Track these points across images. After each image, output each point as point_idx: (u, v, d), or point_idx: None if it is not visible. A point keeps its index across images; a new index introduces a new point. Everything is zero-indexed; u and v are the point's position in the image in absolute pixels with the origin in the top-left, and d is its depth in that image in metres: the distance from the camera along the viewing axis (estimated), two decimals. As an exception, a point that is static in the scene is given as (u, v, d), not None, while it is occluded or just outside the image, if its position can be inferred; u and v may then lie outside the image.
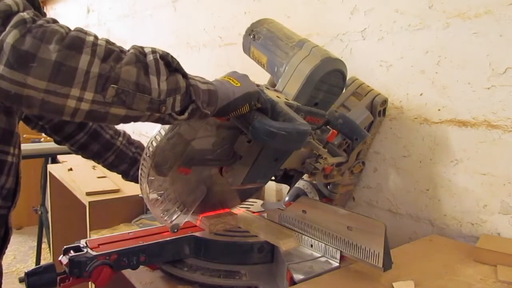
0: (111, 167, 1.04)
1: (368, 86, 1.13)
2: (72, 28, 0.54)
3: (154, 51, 0.60)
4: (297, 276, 0.78)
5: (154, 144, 0.77)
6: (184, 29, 2.02)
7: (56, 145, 1.06)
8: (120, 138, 1.04)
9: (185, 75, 0.63)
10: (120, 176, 1.08)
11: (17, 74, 0.49)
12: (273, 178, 1.00)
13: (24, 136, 2.70)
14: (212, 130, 0.83)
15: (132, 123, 0.62)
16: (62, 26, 0.53)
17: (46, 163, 2.49)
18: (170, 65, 0.61)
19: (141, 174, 0.79)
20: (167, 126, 0.76)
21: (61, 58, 0.50)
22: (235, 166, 0.86)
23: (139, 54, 0.58)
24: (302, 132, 0.75)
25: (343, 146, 1.05)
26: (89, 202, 1.25)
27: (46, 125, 0.97)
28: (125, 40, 2.61)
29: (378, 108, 1.08)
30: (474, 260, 0.85)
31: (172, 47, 2.10)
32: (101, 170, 1.58)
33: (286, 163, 0.88)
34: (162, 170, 0.79)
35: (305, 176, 1.17)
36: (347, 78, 1.14)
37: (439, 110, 1.05)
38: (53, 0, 4.05)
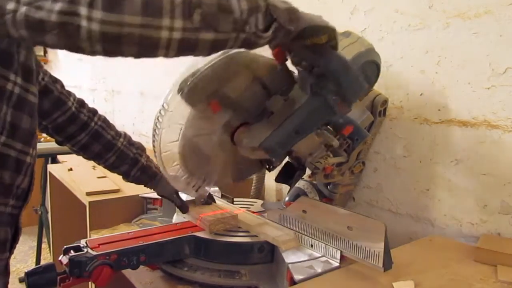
0: (112, 167, 1.04)
1: None
2: None
3: None
4: (297, 276, 0.78)
5: (194, 70, 0.77)
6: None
7: (56, 145, 1.06)
8: (121, 139, 1.04)
9: None
10: (120, 176, 1.08)
11: (115, 15, 0.51)
12: (269, 172, 1.00)
13: (24, 136, 2.69)
14: (247, 80, 0.83)
15: (219, 51, 0.63)
16: None
17: (46, 163, 2.49)
18: None
19: (154, 145, 0.82)
20: (202, 61, 0.77)
21: None
22: (255, 126, 0.86)
23: None
24: (362, 83, 0.76)
25: (343, 146, 1.05)
26: (89, 202, 1.25)
27: (49, 125, 0.97)
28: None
29: (378, 108, 1.08)
30: (474, 260, 0.85)
31: (172, 47, 2.09)
32: (101, 170, 1.57)
33: (298, 145, 0.88)
34: (194, 97, 0.80)
35: (305, 176, 1.17)
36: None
37: (439, 110, 1.05)
38: None
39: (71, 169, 1.73)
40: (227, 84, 0.82)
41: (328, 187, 1.15)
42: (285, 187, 1.43)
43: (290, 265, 0.81)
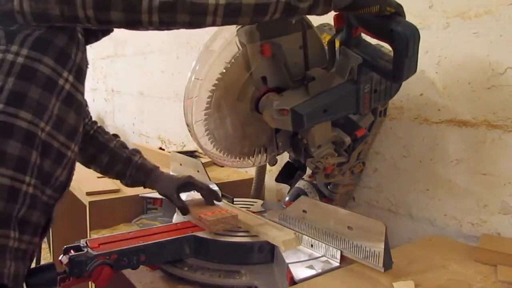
0: (106, 169, 1.05)
1: None
2: None
3: None
4: (297, 276, 0.78)
5: None
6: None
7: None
8: (114, 142, 1.06)
9: None
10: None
11: None
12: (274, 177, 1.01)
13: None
14: (296, 43, 0.90)
15: (260, 20, 0.68)
16: None
17: (46, 163, 2.49)
18: None
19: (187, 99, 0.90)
20: None
21: None
22: (289, 91, 0.90)
23: None
24: (416, 65, 0.80)
25: (344, 146, 1.05)
26: (89, 202, 1.25)
27: None
28: (125, 40, 2.61)
29: (379, 108, 1.08)
30: (474, 260, 0.85)
31: (172, 47, 2.10)
32: (101, 170, 1.57)
33: (312, 132, 0.92)
34: (252, 35, 0.86)
35: (305, 176, 1.17)
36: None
37: (439, 110, 1.05)
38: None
39: (71, 169, 1.73)
40: (282, 36, 0.87)
41: (328, 187, 1.15)
42: (285, 187, 1.43)
43: (290, 265, 0.81)
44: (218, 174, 1.50)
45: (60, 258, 0.79)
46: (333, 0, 0.71)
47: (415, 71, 0.82)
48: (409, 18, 1.09)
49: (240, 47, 0.90)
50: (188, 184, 1.06)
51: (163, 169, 1.10)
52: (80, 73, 0.75)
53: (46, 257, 2.90)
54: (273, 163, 1.04)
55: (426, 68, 1.07)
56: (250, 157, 1.04)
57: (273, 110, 0.87)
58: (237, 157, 1.02)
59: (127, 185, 1.06)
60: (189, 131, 0.97)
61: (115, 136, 1.11)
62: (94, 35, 0.86)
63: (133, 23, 0.63)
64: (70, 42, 0.71)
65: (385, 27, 0.76)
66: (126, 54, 2.62)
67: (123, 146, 1.07)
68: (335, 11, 0.77)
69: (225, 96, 0.93)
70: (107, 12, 0.61)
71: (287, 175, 1.02)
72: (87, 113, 1.02)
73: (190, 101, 0.93)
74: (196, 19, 0.63)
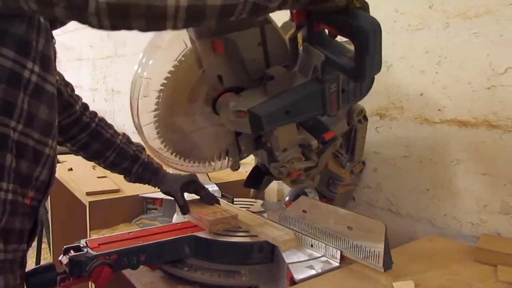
0: (112, 166, 1.04)
1: None
2: None
3: None
4: (297, 276, 0.78)
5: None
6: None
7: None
8: (120, 137, 1.04)
9: None
10: (120, 176, 1.08)
11: None
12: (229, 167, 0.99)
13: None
14: (255, 39, 0.80)
15: (228, 18, 0.61)
16: None
17: (46, 163, 2.49)
18: None
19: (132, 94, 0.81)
20: None
21: None
22: (246, 92, 0.83)
23: None
24: (380, 62, 0.74)
25: (311, 149, 0.99)
26: (89, 202, 1.25)
27: None
28: (125, 40, 2.61)
29: (355, 117, 1.06)
30: (474, 260, 0.85)
31: (172, 47, 2.09)
32: (101, 170, 1.57)
33: (276, 134, 0.86)
34: (204, 32, 0.78)
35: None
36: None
37: (439, 110, 1.05)
38: None
39: (71, 169, 1.73)
40: (236, 31, 0.78)
41: (328, 187, 1.15)
42: (285, 187, 1.43)
43: (290, 265, 0.81)
44: (218, 174, 1.50)
45: (60, 258, 0.79)
46: None
47: (379, 69, 0.75)
48: (409, 18, 1.09)
49: (188, 44, 0.82)
50: (192, 182, 1.07)
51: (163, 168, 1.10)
52: (46, 61, 0.68)
53: (46, 257, 2.91)
54: (235, 168, 0.98)
55: (426, 68, 1.07)
56: (211, 161, 0.96)
57: (229, 111, 0.81)
58: (195, 162, 0.95)
59: (130, 181, 1.06)
60: (138, 134, 0.90)
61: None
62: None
63: (82, 22, 0.55)
64: (30, 28, 0.64)
65: (345, 22, 0.71)
66: (126, 54, 2.62)
67: (129, 141, 1.05)
68: (303, 6, 0.72)
69: (176, 96, 0.85)
70: (51, 8, 0.53)
71: (256, 179, 0.98)
72: (75, 99, 0.98)
73: (135, 102, 0.85)
74: (153, 24, 0.55)
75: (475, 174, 1.00)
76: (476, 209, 1.00)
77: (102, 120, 1.04)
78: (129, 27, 0.55)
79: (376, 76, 1.17)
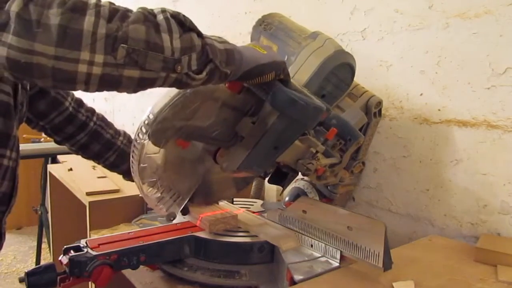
0: (112, 167, 1.04)
1: (363, 87, 1.12)
2: None
3: (164, 11, 0.57)
4: (297, 276, 0.78)
5: (156, 110, 0.74)
6: (184, 29, 2.02)
7: (56, 145, 1.06)
8: (121, 138, 1.04)
9: (200, 34, 0.61)
10: (120, 176, 1.08)
11: (24, 41, 0.48)
12: (262, 174, 0.98)
13: (24, 136, 2.69)
14: (215, 109, 0.80)
15: (149, 89, 0.59)
16: None
17: (46, 163, 2.49)
18: (183, 23, 0.58)
19: (132, 157, 0.77)
20: (171, 94, 0.74)
21: (65, 21, 0.49)
22: (232, 150, 0.83)
23: (148, 14, 0.56)
24: (318, 108, 0.75)
25: (337, 147, 1.03)
26: (89, 202, 1.25)
27: (47, 125, 0.97)
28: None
29: (373, 109, 1.07)
30: (474, 260, 0.85)
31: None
32: (101, 170, 1.57)
33: (283, 156, 0.86)
34: (160, 139, 0.76)
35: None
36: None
37: (439, 110, 1.05)
38: None
39: (71, 169, 1.73)
40: (194, 117, 0.78)
41: (328, 187, 1.15)
42: (285, 187, 1.43)
43: (290, 265, 0.81)
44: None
45: (60, 258, 0.79)
46: (228, 74, 0.65)
47: (318, 112, 0.77)
48: (409, 18, 1.09)
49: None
50: None
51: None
52: None
53: (46, 257, 2.91)
54: (170, 219, 0.89)
55: (426, 68, 1.07)
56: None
57: (228, 171, 0.84)
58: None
59: (129, 180, 1.06)
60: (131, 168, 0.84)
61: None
62: None
63: None
64: None
65: (265, 98, 0.74)
66: (126, 54, 2.62)
67: (130, 141, 1.05)
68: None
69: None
70: None
71: (280, 176, 1.00)
72: (63, 95, 0.96)
73: (136, 167, 0.80)
74: (62, 85, 0.52)
75: (475, 174, 1.00)
76: (476, 209, 1.00)
77: (102, 119, 1.04)
78: (34, 83, 0.53)
79: (376, 76, 1.18)
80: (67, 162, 1.88)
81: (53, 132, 0.99)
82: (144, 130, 0.76)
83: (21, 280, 2.68)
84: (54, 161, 2.42)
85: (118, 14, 0.53)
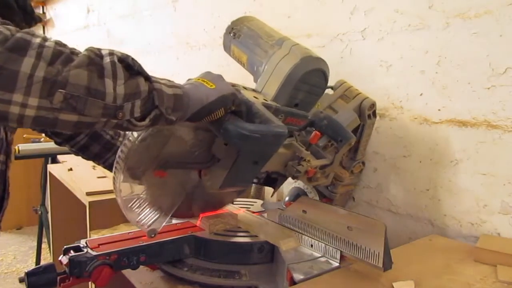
0: (112, 167, 1.04)
1: (356, 89, 1.11)
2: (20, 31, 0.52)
3: (112, 53, 0.56)
4: (297, 276, 0.78)
5: (128, 145, 0.74)
6: (184, 29, 2.02)
7: (56, 145, 1.06)
8: (120, 139, 1.04)
9: (148, 78, 0.60)
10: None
11: None
12: (255, 180, 0.97)
13: (24, 136, 2.69)
14: (189, 132, 0.79)
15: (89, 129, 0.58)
16: (9, 29, 0.50)
17: (46, 163, 2.49)
18: (131, 68, 0.57)
19: (114, 178, 0.77)
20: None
21: (1, 61, 0.48)
22: (213, 169, 0.83)
23: (94, 56, 0.54)
24: (277, 135, 0.73)
25: (328, 148, 1.02)
26: (89, 202, 1.25)
27: None
28: (124, 40, 2.61)
29: (366, 111, 1.07)
30: (474, 260, 0.85)
31: (172, 47, 2.10)
32: (101, 170, 1.58)
33: (267, 165, 0.83)
34: (136, 174, 0.76)
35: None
36: (337, 80, 1.13)
37: (439, 110, 1.05)
38: (53, 0, 4.05)
39: (71, 169, 1.73)
40: (167, 145, 0.77)
41: (328, 187, 1.15)
42: (285, 187, 1.43)
43: (290, 265, 0.81)
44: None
45: (60, 258, 0.79)
46: (173, 121, 0.63)
47: (278, 139, 0.74)
48: (409, 18, 1.09)
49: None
50: None
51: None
52: None
53: (46, 257, 2.91)
54: (151, 235, 0.87)
55: (426, 68, 1.07)
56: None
57: (212, 190, 0.84)
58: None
59: None
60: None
61: None
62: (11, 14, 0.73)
63: None
64: None
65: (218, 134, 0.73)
66: (126, 54, 2.62)
67: None
68: None
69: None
70: None
71: (271, 180, 0.99)
72: None
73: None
74: None
75: (475, 174, 1.00)
76: (476, 209, 1.00)
77: None
78: None
79: (376, 76, 1.18)
80: (67, 162, 1.88)
81: (53, 134, 0.99)
82: (118, 167, 0.76)
83: (21, 280, 2.69)
84: (54, 161, 2.42)
85: (61, 57, 0.52)
